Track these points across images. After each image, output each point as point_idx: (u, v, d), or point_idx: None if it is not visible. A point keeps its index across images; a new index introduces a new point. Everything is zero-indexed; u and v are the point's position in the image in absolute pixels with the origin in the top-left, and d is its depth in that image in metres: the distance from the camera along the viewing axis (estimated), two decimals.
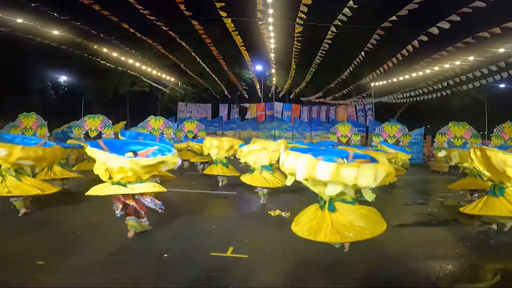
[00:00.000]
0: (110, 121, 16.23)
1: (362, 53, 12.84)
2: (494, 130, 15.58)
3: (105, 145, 4.67)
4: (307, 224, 3.97)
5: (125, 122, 17.97)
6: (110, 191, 4.31)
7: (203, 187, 8.95)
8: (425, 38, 9.56)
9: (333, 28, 10.15)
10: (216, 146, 8.87)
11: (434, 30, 8.64)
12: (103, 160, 4.27)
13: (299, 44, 12.23)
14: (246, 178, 7.22)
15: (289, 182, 4.18)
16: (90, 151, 4.40)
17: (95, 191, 4.38)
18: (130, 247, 4.27)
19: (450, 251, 4.32)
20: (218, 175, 9.00)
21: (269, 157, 7.09)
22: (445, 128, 16.04)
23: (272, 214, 6.06)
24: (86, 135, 15.84)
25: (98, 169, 4.36)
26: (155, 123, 17.51)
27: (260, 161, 7.07)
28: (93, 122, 15.97)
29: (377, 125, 20.63)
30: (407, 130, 16.93)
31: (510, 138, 15.15)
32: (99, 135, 15.85)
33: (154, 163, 4.46)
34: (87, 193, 4.39)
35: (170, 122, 18.06)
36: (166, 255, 3.98)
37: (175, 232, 4.97)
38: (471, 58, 11.53)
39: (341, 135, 18.48)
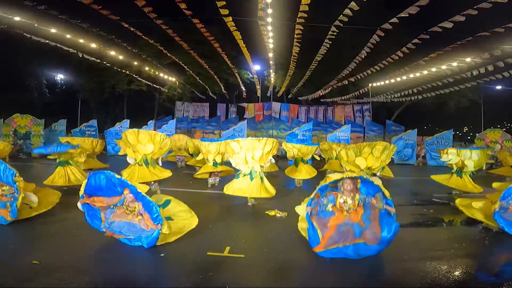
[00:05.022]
0: (39, 120, 16.67)
1: (361, 53, 12.87)
2: (477, 134, 17.63)
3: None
4: None
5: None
6: None
7: (200, 186, 8.93)
8: (425, 38, 9.59)
9: (333, 28, 10.16)
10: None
11: (436, 30, 8.67)
12: None
13: (298, 44, 12.23)
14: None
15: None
16: None
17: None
18: (126, 246, 4.26)
19: (445, 252, 4.34)
20: (209, 178, 8.96)
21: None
22: (482, 134, 17.24)
23: (269, 214, 6.08)
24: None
25: None
26: (21, 120, 16.50)
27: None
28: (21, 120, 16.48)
29: (374, 125, 20.74)
30: (510, 136, 16.96)
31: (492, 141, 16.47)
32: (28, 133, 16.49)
33: None
34: None
35: (38, 120, 16.97)
36: (162, 255, 3.98)
37: None
38: (468, 59, 11.57)
39: (491, 141, 16.34)
